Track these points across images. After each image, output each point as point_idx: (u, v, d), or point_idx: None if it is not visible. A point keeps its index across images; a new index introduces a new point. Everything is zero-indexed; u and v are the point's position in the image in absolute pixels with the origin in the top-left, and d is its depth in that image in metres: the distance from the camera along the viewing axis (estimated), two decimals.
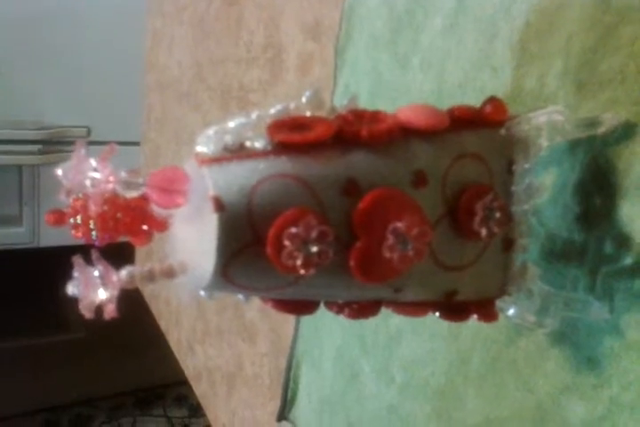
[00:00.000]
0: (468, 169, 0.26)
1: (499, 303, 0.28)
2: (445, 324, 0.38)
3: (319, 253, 0.22)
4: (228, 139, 0.24)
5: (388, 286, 0.25)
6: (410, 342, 0.41)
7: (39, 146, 1.58)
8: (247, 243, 0.22)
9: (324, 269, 0.22)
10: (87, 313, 0.24)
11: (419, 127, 0.25)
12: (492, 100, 0.28)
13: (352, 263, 0.23)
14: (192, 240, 0.24)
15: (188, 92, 0.87)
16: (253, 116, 0.24)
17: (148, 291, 1.07)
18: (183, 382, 1.11)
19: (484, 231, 0.25)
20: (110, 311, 0.23)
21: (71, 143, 1.61)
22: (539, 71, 0.31)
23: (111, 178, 0.23)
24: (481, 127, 0.27)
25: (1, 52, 1.52)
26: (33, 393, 1.99)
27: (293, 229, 0.21)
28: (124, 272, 0.23)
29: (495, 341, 0.34)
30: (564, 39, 0.30)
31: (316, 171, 0.23)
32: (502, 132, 0.27)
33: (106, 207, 0.25)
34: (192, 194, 0.23)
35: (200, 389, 0.88)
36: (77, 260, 0.23)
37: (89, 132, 1.62)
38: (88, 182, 0.23)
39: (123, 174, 0.23)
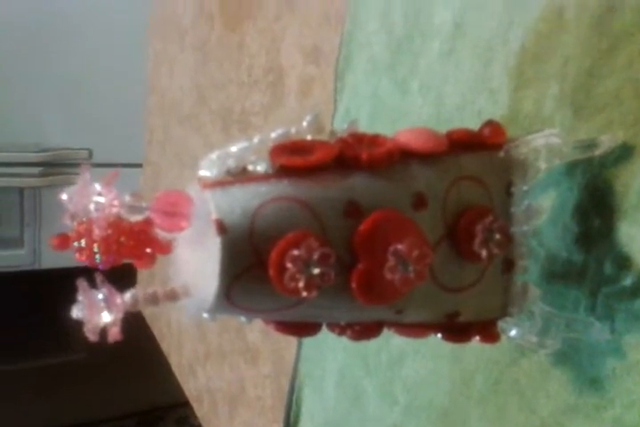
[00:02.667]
0: (468, 191, 0.26)
1: (501, 324, 0.29)
2: (448, 344, 0.38)
3: (321, 276, 0.22)
4: (231, 163, 0.24)
5: (390, 307, 0.25)
6: (413, 362, 0.41)
7: (40, 168, 1.59)
8: (249, 265, 0.22)
9: (326, 290, 0.22)
10: (92, 336, 0.24)
11: (418, 150, 0.25)
12: (490, 123, 0.28)
13: (353, 285, 0.23)
14: (195, 263, 0.24)
15: (189, 114, 0.88)
16: (255, 140, 0.24)
17: (149, 313, 1.06)
18: (185, 404, 1.10)
19: (484, 253, 0.25)
20: (114, 334, 0.23)
21: (73, 165, 1.62)
22: (536, 94, 0.32)
23: (115, 202, 0.23)
24: (479, 150, 0.27)
25: (2, 72, 1.53)
26: (34, 415, 1.97)
27: (295, 252, 0.22)
28: (127, 295, 0.23)
29: (498, 362, 0.34)
30: (561, 63, 0.31)
31: (317, 193, 0.23)
32: (501, 154, 0.28)
33: (110, 231, 0.26)
34: (195, 217, 0.23)
35: (202, 411, 0.87)
36: (82, 283, 0.23)
37: (90, 155, 1.63)
38: (92, 207, 0.24)
39: (127, 198, 0.23)
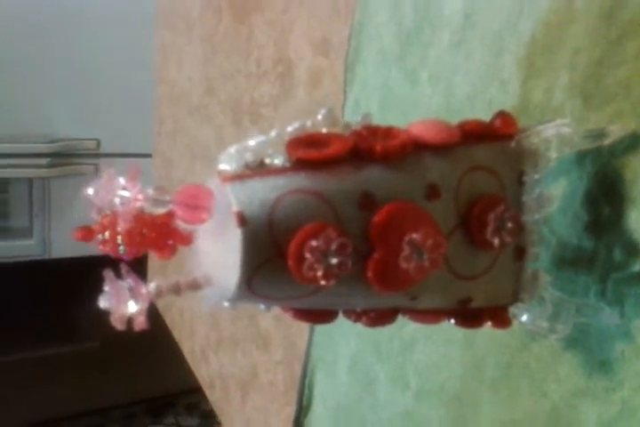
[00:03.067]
0: (480, 181, 0.27)
1: (512, 310, 0.29)
2: (460, 330, 0.39)
3: (339, 265, 0.23)
4: (249, 156, 0.25)
5: (405, 294, 0.26)
6: (424, 347, 0.42)
7: (49, 159, 1.60)
8: (270, 256, 0.23)
9: (343, 279, 0.23)
10: (119, 325, 0.25)
11: (430, 142, 0.26)
12: (502, 114, 0.29)
13: (370, 274, 0.24)
14: (216, 254, 0.25)
15: (198, 105, 0.88)
16: (272, 134, 0.25)
17: (161, 301, 1.08)
18: (195, 390, 1.11)
19: (496, 241, 0.26)
20: (141, 323, 0.24)
21: (81, 156, 1.63)
22: (546, 84, 0.32)
23: (140, 196, 0.24)
24: (491, 141, 0.28)
25: (11, 64, 1.54)
26: (45, 403, 2.00)
27: (314, 242, 0.22)
28: (152, 285, 0.24)
29: (509, 346, 0.35)
30: (570, 53, 0.31)
31: (332, 186, 0.24)
32: (512, 145, 0.28)
33: (133, 223, 0.26)
34: (216, 210, 0.24)
35: (214, 396, 0.89)
36: (108, 274, 0.24)
37: (99, 145, 1.64)
38: (117, 200, 0.24)
39: (150, 192, 0.24)
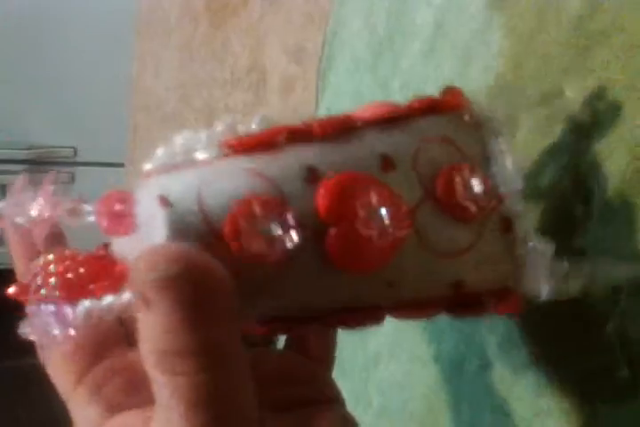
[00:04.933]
0: (438, 152, 0.25)
1: (523, 290, 0.26)
2: (424, 346, 0.38)
3: (282, 230, 0.21)
4: (178, 152, 0.23)
5: (378, 278, 0.23)
6: (388, 365, 0.41)
7: (25, 166, 1.58)
8: (202, 237, 0.20)
9: (304, 270, 0.21)
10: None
11: (371, 118, 0.24)
12: (450, 88, 0.27)
13: (330, 250, 0.21)
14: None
15: (173, 113, 0.87)
16: (202, 135, 0.23)
17: None
18: None
19: (470, 206, 0.24)
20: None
21: (58, 164, 1.61)
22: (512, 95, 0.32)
23: (56, 208, 0.22)
24: (442, 113, 0.26)
25: None
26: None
27: (252, 211, 0.20)
28: (80, 308, 0.21)
29: (472, 363, 0.34)
30: (540, 63, 0.31)
31: (273, 164, 0.22)
32: (466, 117, 0.26)
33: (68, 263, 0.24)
34: (141, 212, 0.21)
35: None
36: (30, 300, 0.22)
37: (75, 153, 1.62)
38: (32, 213, 0.22)
39: (67, 204, 0.22)
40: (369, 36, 0.44)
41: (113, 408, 0.22)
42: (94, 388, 0.23)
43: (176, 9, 0.87)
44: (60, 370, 0.24)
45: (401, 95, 0.40)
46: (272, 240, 0.20)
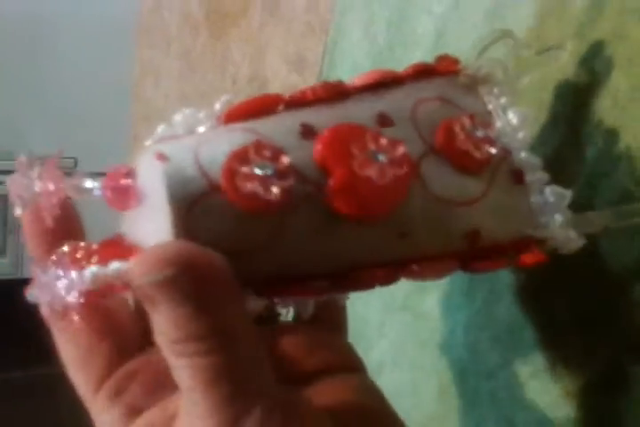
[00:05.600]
0: (436, 111, 0.25)
1: (547, 243, 0.25)
2: (427, 354, 0.38)
3: (278, 175, 0.21)
4: (179, 128, 0.24)
5: (388, 229, 0.23)
6: (391, 373, 0.41)
7: None
8: (203, 190, 0.21)
9: (308, 223, 0.21)
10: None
11: (364, 83, 0.25)
12: (444, 55, 0.27)
13: (332, 197, 0.21)
14: (145, 221, 0.22)
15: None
16: (201, 114, 0.24)
17: None
18: None
19: (475, 152, 0.24)
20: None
21: None
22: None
23: (61, 185, 0.21)
24: (437, 76, 0.26)
25: None
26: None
27: (249, 156, 0.21)
28: (87, 272, 0.21)
29: (475, 373, 0.34)
30: (537, 77, 0.31)
31: (268, 123, 0.23)
32: (461, 79, 0.27)
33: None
34: (142, 178, 0.22)
35: None
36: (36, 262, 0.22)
37: (76, 164, 1.62)
38: (37, 189, 0.22)
39: (72, 180, 0.22)
40: (369, 46, 0.44)
41: (135, 411, 0.23)
42: (116, 392, 0.23)
43: (176, 19, 0.87)
44: (80, 375, 0.24)
45: None
46: (267, 181, 0.20)
